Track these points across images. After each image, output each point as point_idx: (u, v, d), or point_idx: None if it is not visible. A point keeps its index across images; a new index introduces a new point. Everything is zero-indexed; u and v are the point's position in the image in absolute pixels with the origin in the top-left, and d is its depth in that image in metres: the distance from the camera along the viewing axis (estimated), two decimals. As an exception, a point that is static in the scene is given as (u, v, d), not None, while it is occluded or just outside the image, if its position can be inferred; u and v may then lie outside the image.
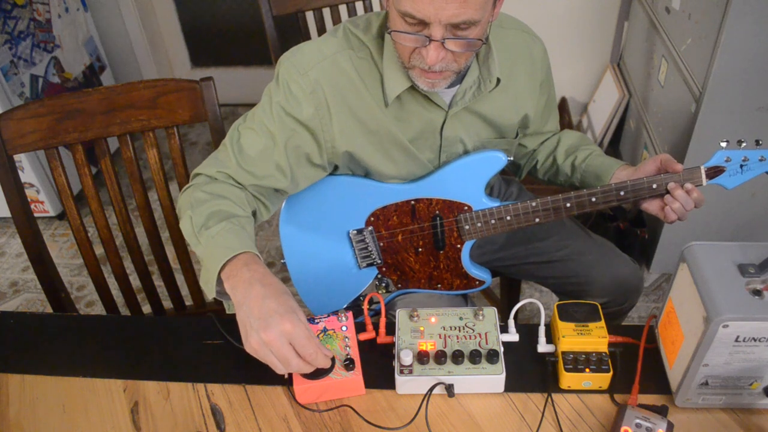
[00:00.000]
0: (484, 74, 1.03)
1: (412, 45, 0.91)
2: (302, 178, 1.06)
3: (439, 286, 1.22)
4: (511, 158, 1.14)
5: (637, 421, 0.77)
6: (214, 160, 1.02)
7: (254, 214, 1.04)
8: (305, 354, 0.80)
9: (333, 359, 0.86)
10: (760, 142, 1.00)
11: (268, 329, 0.78)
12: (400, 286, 1.22)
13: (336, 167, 1.11)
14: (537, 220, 1.11)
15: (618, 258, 1.25)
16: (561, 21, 2.46)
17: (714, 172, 1.02)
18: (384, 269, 1.20)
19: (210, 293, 0.88)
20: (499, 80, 1.04)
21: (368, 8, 1.76)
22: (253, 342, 0.79)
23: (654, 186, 1.04)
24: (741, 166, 1.01)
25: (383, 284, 1.21)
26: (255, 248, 0.92)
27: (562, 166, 1.22)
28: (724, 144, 1.00)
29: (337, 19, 1.69)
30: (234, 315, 0.84)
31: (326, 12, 1.69)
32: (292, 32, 1.77)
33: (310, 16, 1.70)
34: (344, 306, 1.23)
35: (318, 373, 0.84)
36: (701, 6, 1.59)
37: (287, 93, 0.99)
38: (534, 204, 1.09)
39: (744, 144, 1.00)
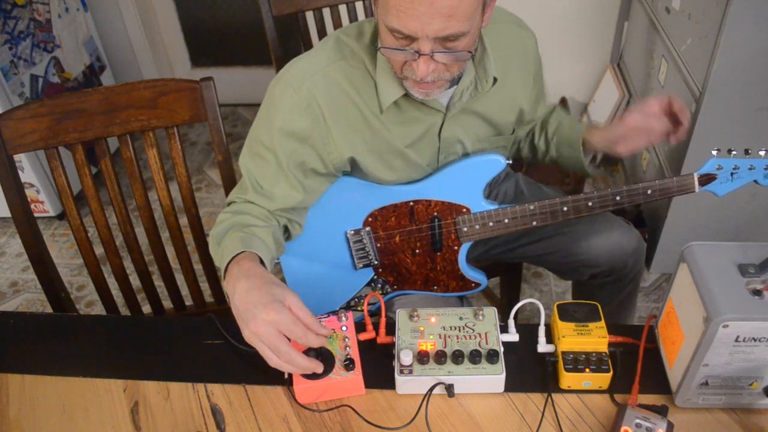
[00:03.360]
0: (480, 74, 1.03)
1: (402, 59, 0.91)
2: (315, 188, 1.08)
3: (436, 288, 1.22)
4: (510, 161, 1.14)
5: (637, 421, 0.77)
6: (239, 188, 1.08)
7: (287, 230, 1.10)
8: (295, 337, 0.81)
9: (333, 359, 0.86)
10: (750, 152, 1.01)
11: (254, 320, 0.80)
12: (396, 287, 1.22)
13: (344, 172, 1.11)
14: (534, 223, 1.12)
15: (608, 223, 1.22)
16: (561, 21, 2.46)
17: (706, 179, 1.04)
18: (380, 270, 1.20)
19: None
20: (495, 79, 1.04)
21: (368, 9, 1.76)
22: (246, 334, 0.82)
23: (649, 192, 1.06)
24: (731, 173, 1.02)
25: (379, 285, 1.21)
26: (262, 249, 0.94)
27: (539, 143, 1.24)
28: (715, 152, 1.02)
29: (337, 19, 1.69)
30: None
31: (326, 12, 1.69)
32: (292, 32, 1.77)
33: (310, 16, 1.70)
34: (338, 307, 1.22)
35: (318, 373, 0.84)
36: (701, 6, 1.59)
37: (284, 113, 1.00)
38: (532, 207, 1.10)
39: (734, 152, 1.02)
